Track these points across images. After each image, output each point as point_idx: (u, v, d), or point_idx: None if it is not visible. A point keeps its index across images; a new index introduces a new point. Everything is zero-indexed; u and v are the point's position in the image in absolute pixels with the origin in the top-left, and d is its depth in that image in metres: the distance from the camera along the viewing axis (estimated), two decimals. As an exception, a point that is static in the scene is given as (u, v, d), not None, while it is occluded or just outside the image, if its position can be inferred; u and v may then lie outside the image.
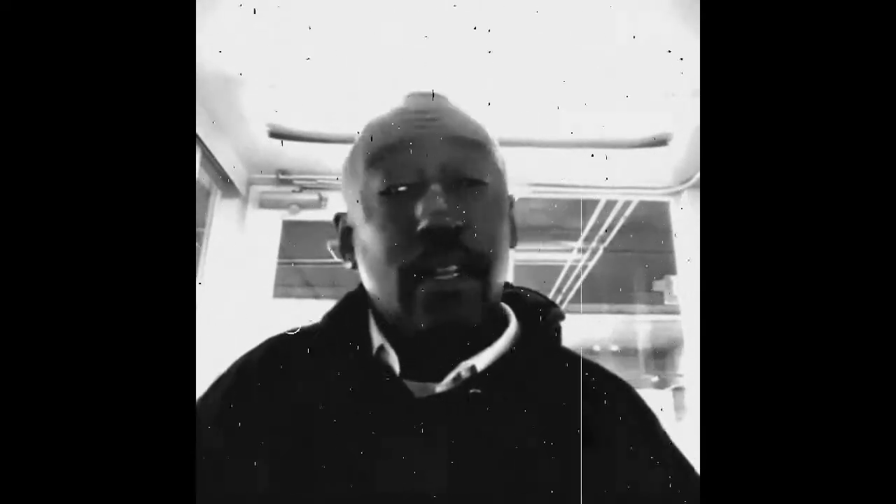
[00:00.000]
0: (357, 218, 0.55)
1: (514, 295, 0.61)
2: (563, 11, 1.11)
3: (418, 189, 0.51)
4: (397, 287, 0.50)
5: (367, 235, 0.53)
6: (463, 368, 0.51)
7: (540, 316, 0.57)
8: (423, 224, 0.48)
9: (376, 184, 0.52)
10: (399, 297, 0.50)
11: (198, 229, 1.75)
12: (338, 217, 0.61)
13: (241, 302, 1.65)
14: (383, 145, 0.53)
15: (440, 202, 0.49)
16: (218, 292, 1.64)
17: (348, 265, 0.59)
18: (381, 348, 0.54)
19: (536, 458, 0.47)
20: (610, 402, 0.54)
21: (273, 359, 0.57)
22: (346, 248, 0.59)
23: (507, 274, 0.56)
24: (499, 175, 0.56)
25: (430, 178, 0.51)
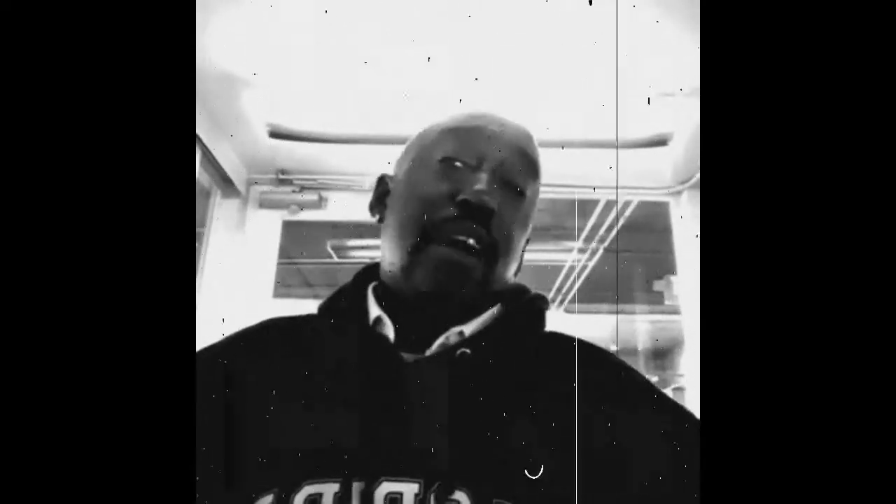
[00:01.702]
0: (407, 177, 0.61)
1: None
2: (563, 11, 1.11)
3: (472, 170, 0.56)
4: (415, 240, 0.55)
5: (407, 193, 0.59)
6: (452, 333, 0.56)
7: (523, 296, 0.63)
8: (464, 195, 0.55)
9: (441, 150, 0.59)
10: (412, 251, 0.55)
11: (198, 229, 1.75)
12: (383, 177, 0.67)
13: (241, 302, 1.65)
14: (463, 125, 0.61)
15: (488, 186, 0.55)
16: (218, 292, 1.64)
17: (376, 218, 0.65)
18: (378, 319, 0.58)
19: (519, 415, 0.50)
20: (592, 364, 0.57)
21: (273, 329, 0.62)
22: (380, 205, 0.65)
23: (507, 280, 0.61)
24: (535, 198, 0.62)
25: (486, 165, 0.58)
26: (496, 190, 0.56)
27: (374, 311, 0.58)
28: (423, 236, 0.55)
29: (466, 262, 0.54)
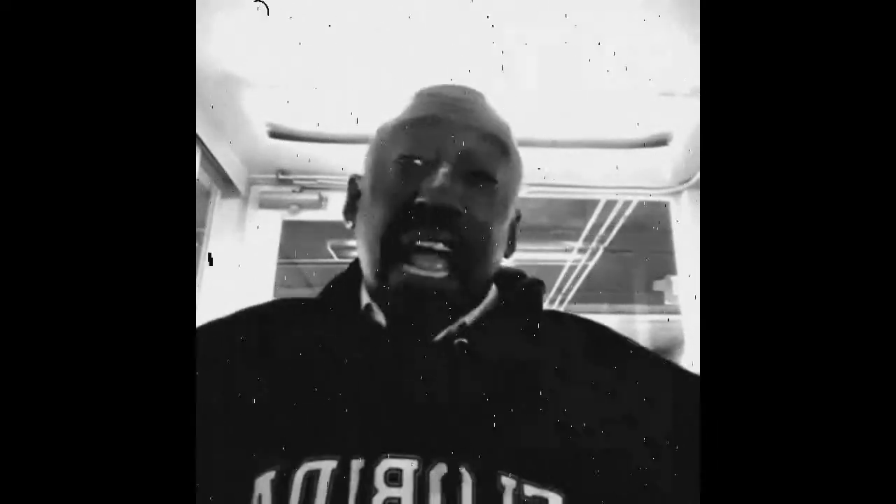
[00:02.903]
0: (368, 181, 0.56)
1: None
2: (563, 11, 1.11)
3: (431, 167, 0.52)
4: (379, 260, 0.52)
5: (371, 199, 0.54)
6: (454, 327, 0.54)
7: (519, 281, 0.61)
8: (421, 198, 0.49)
9: (396, 151, 0.54)
10: (378, 274, 0.52)
11: (198, 229, 1.74)
12: (353, 179, 0.63)
13: (241, 302, 1.64)
14: (413, 117, 0.55)
15: (446, 182, 0.50)
16: (218, 292, 1.64)
17: (349, 225, 0.61)
18: (368, 307, 0.56)
19: (524, 397, 0.48)
20: (593, 341, 0.57)
21: (277, 308, 0.61)
22: (352, 210, 0.61)
23: (498, 264, 0.58)
24: (511, 180, 0.57)
25: (446, 159, 0.52)
26: (460, 185, 0.51)
27: (366, 298, 0.57)
28: (388, 256, 0.51)
29: (435, 279, 0.50)
